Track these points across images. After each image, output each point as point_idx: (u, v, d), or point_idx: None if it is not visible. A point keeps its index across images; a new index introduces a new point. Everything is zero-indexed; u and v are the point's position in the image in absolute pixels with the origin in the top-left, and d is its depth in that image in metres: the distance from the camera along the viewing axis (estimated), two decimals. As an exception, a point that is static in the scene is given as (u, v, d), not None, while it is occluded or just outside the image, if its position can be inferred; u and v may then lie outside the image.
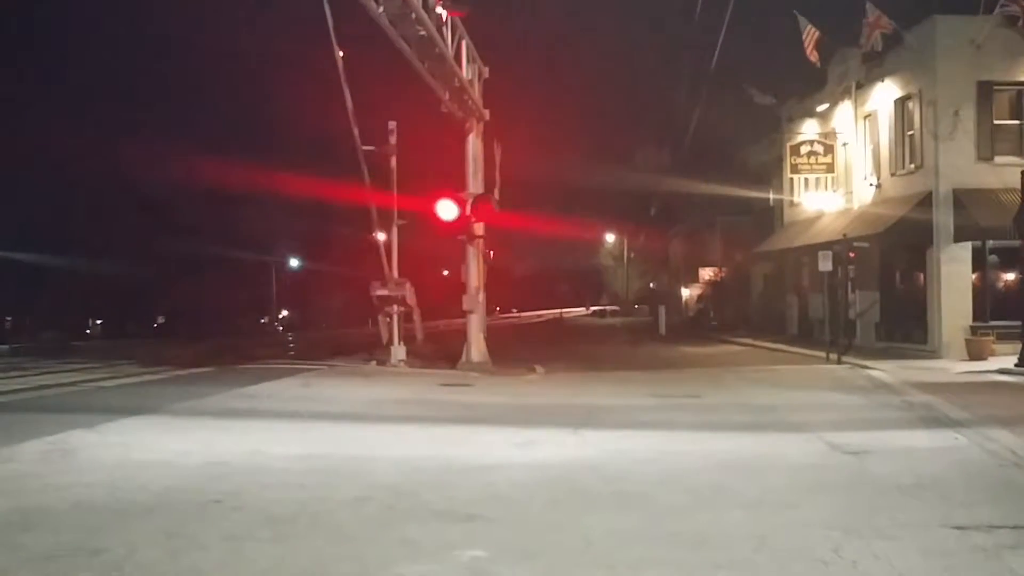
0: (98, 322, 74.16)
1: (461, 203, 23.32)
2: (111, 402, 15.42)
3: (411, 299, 24.57)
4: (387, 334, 24.61)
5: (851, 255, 26.67)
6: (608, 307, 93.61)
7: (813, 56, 27.67)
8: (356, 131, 22.44)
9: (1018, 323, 20.96)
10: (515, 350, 29.73)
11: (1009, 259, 24.48)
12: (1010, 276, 25.10)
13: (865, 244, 26.52)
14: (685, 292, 56.89)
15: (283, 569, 5.92)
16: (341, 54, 21.29)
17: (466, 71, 22.85)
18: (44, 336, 51.18)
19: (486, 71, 24.73)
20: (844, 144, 30.92)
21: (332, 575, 5.86)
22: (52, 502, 7.62)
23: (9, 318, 65.72)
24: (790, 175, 32.74)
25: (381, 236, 25.09)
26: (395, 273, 24.52)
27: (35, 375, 22.86)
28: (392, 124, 24.84)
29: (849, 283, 29.12)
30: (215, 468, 9.19)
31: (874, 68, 28.16)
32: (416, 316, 25.45)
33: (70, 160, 67.55)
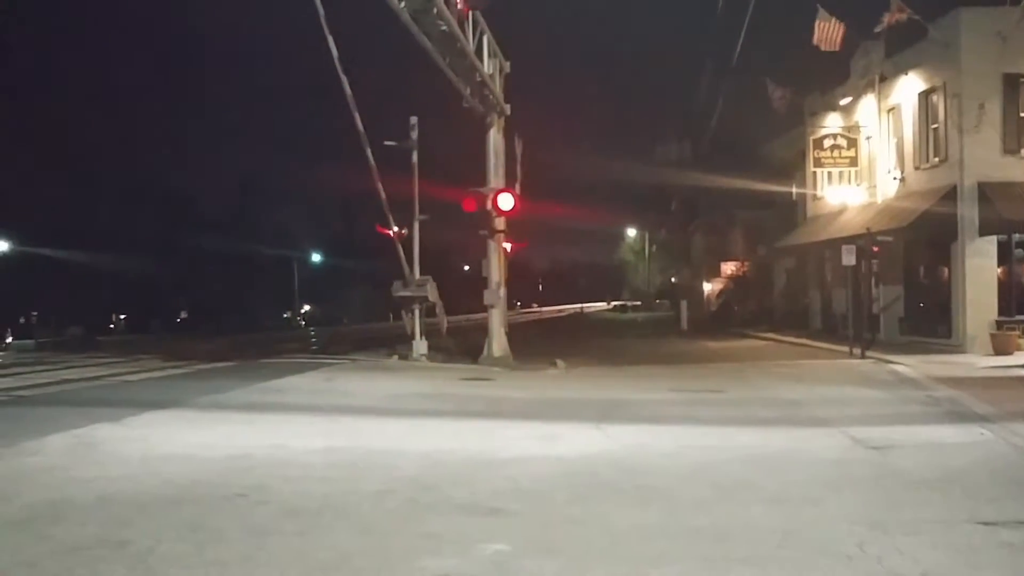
0: (122, 317, 74.65)
1: (482, 198, 23.39)
2: (135, 396, 15.54)
3: (433, 296, 24.61)
4: (412, 327, 24.72)
5: (875, 249, 26.46)
6: (629, 302, 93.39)
7: (828, 45, 27.18)
8: (369, 151, 22.65)
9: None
10: (536, 344, 29.75)
11: (1035, 253, 24.22)
12: (1036, 270, 24.85)
13: (889, 238, 26.30)
14: (707, 287, 56.62)
15: (306, 562, 5.94)
16: (347, 80, 21.60)
17: (487, 66, 22.85)
18: (69, 331, 51.68)
19: (507, 66, 24.71)
20: (867, 138, 30.68)
21: (355, 568, 5.87)
22: (78, 494, 7.69)
23: (35, 313, 66.26)
24: (813, 169, 32.52)
25: (402, 231, 25.17)
26: (417, 268, 24.58)
27: (60, 369, 23.08)
28: (413, 119, 24.88)
29: (873, 277, 28.92)
30: (239, 461, 9.24)
31: (898, 61, 27.92)
32: (439, 310, 25.51)
33: (94, 156, 68.15)
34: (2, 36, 72.92)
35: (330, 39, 20.74)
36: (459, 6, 19.72)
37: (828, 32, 26.81)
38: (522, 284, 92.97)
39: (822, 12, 26.79)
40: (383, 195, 23.25)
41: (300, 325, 76.97)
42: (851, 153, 30.93)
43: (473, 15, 21.01)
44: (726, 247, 52.77)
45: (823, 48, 27.10)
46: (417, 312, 24.58)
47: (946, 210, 24.79)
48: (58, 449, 9.85)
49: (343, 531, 6.68)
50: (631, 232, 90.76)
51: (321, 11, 20.41)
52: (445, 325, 26.32)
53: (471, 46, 21.08)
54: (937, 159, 26.17)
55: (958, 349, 24.14)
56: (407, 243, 25.06)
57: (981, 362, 21.44)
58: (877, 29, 25.81)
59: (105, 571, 5.74)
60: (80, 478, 8.38)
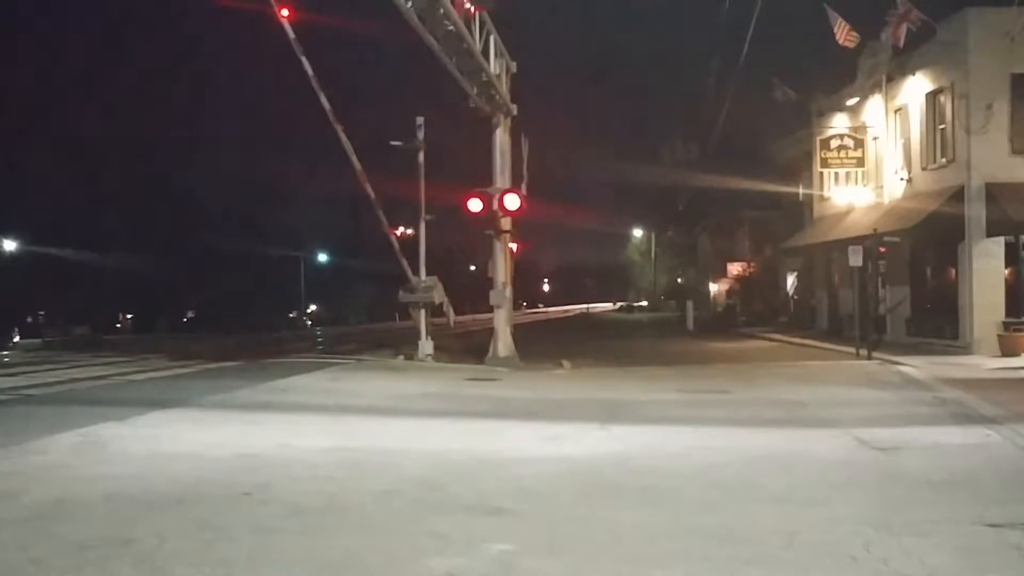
0: (129, 317, 74.87)
1: (488, 198, 23.39)
2: (142, 395, 15.58)
3: (439, 298, 24.65)
4: (420, 326, 24.82)
5: (881, 250, 26.41)
6: (635, 302, 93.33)
7: (850, 41, 27.26)
8: (368, 187, 23.26)
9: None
10: (542, 345, 29.73)
11: (1043, 254, 24.12)
12: (1044, 271, 24.76)
13: (896, 239, 26.24)
14: (713, 287, 56.61)
15: (312, 561, 5.95)
16: (341, 127, 22.23)
17: (493, 66, 22.85)
18: (76, 330, 51.87)
19: (513, 66, 24.71)
20: (874, 138, 30.62)
21: (361, 567, 5.88)
22: (84, 493, 7.71)
23: (42, 312, 66.47)
24: (820, 169, 32.44)
25: (408, 231, 25.27)
26: (423, 269, 24.60)
27: (67, 368, 23.14)
28: (420, 119, 24.92)
29: (879, 278, 28.84)
30: (245, 461, 9.26)
31: (905, 61, 27.85)
32: (446, 306, 25.56)
33: (102, 156, 68.32)
34: (8, 37, 73.09)
35: (322, 96, 21.76)
36: (466, 6, 19.75)
37: (845, 31, 26.90)
38: (528, 284, 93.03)
39: (831, 14, 26.82)
40: (379, 210, 23.62)
41: (306, 325, 77.04)
42: (858, 154, 30.87)
43: (479, 15, 21.04)
44: (732, 248, 52.76)
45: (841, 43, 27.15)
46: (423, 313, 24.61)
47: (953, 211, 24.72)
48: (65, 448, 9.88)
49: (349, 530, 6.69)
50: (637, 232, 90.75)
51: (309, 70, 21.27)
52: (453, 317, 26.34)
53: (477, 46, 21.09)
54: (944, 160, 26.10)
55: (965, 350, 24.07)
56: (413, 243, 25.12)
57: (988, 363, 21.37)
58: (891, 42, 25.72)
59: (112, 569, 5.75)
60: (87, 477, 8.40)
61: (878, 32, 27.80)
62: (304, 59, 21.23)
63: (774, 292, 44.82)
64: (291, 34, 20.87)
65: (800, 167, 37.24)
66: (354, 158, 22.69)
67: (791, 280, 43.25)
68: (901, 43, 25.11)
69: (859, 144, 30.85)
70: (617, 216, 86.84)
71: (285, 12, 20.67)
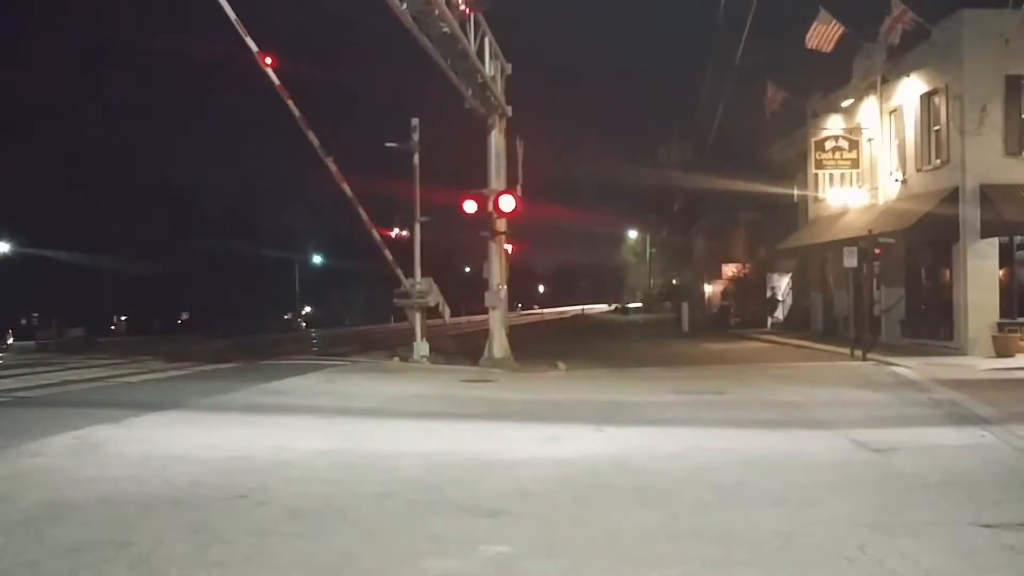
0: (123, 318, 74.75)
1: (483, 200, 23.41)
2: (136, 397, 15.55)
3: (434, 300, 24.67)
4: (415, 327, 24.87)
5: (876, 251, 26.43)
6: (630, 304, 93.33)
7: (824, 45, 27.16)
8: (361, 210, 23.57)
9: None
10: (537, 346, 29.73)
11: (1037, 255, 24.18)
12: (1038, 272, 24.81)
13: (890, 240, 26.26)
14: (708, 288, 56.64)
15: (308, 563, 5.94)
16: (332, 158, 22.61)
17: (488, 68, 22.86)
18: (70, 332, 51.75)
19: (509, 67, 24.75)
20: (869, 139, 30.66)
21: (357, 569, 5.88)
22: (79, 495, 7.69)
23: (36, 315, 66.33)
24: (814, 170, 32.48)
25: (403, 233, 25.31)
26: (418, 270, 24.62)
27: (61, 371, 23.10)
28: (415, 121, 24.93)
29: (874, 279, 28.88)
30: (240, 463, 9.24)
31: (900, 63, 27.89)
32: (442, 306, 25.60)
33: (95, 158, 68.21)
34: (7, 37, 73.05)
35: (310, 134, 21.96)
36: (460, 7, 19.77)
37: (824, 34, 26.78)
38: (523, 286, 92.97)
39: (823, 14, 26.77)
40: (373, 229, 23.78)
41: (301, 327, 77.01)
42: (852, 155, 30.91)
43: (475, 17, 21.06)
44: (728, 249, 52.79)
45: (810, 47, 27.06)
46: (418, 315, 24.63)
47: (948, 212, 24.76)
48: (60, 450, 9.85)
49: (345, 532, 6.68)
50: (632, 234, 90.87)
51: (295, 111, 21.49)
52: (448, 314, 26.37)
53: (472, 47, 21.11)
54: (939, 161, 26.15)
55: (959, 351, 24.10)
56: (409, 245, 25.15)
57: (982, 364, 21.41)
58: (887, 41, 25.68)
59: (107, 572, 5.74)
60: (82, 479, 8.37)
61: (872, 35, 27.80)
62: (291, 102, 21.30)
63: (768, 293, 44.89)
64: (275, 80, 20.93)
65: (795, 168, 37.30)
66: (345, 185, 22.83)
67: (785, 281, 43.33)
68: (897, 39, 25.07)
69: (854, 145, 30.90)
70: (612, 217, 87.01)
71: (268, 60, 20.87)
